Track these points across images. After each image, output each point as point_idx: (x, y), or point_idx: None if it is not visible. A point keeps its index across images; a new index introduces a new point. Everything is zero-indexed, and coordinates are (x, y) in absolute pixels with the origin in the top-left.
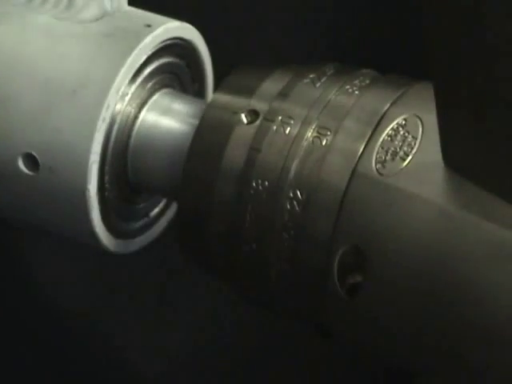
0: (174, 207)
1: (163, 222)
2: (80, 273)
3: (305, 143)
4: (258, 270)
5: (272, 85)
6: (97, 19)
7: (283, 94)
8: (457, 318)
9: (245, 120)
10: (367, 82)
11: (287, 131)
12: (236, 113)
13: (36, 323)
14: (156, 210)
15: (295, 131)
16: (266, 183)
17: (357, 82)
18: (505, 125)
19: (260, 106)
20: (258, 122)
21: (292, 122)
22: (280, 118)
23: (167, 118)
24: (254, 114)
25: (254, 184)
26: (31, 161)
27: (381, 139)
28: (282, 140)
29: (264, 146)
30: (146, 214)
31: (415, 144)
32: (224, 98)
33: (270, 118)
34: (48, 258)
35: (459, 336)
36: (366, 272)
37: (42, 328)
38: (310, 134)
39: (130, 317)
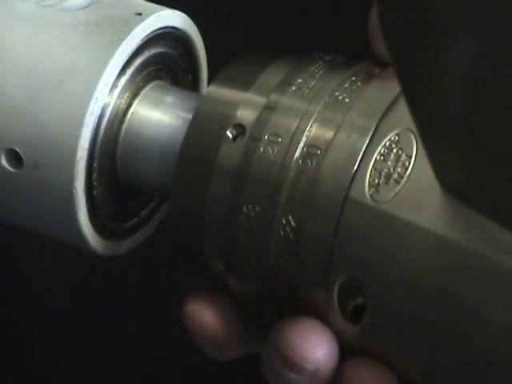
0: (165, 207)
1: (154, 223)
2: (75, 272)
3: (294, 165)
4: (255, 297)
5: (259, 92)
6: (84, 7)
7: (270, 108)
8: (460, 347)
9: (230, 135)
10: (359, 84)
11: (275, 151)
12: (222, 128)
13: (34, 324)
14: (147, 210)
15: (283, 151)
16: (257, 208)
17: (347, 85)
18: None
19: (246, 118)
20: (245, 139)
21: (279, 139)
22: (267, 136)
23: (159, 112)
24: (240, 128)
25: (245, 209)
26: (15, 157)
27: (373, 159)
28: (270, 161)
29: (252, 169)
30: (136, 214)
31: (409, 164)
32: (219, 93)
33: (256, 136)
34: (40, 257)
35: (464, 364)
36: (367, 300)
37: (41, 328)
38: (298, 153)
39: (129, 317)
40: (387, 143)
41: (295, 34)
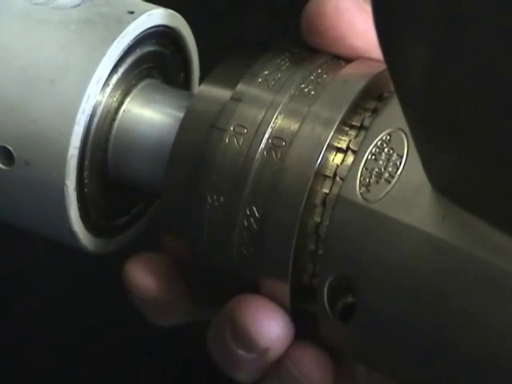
0: (156, 205)
1: (145, 220)
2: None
3: (259, 156)
4: (220, 285)
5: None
6: (76, 5)
7: (236, 99)
8: (447, 347)
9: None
10: (324, 76)
11: (240, 142)
12: (213, 126)
13: (36, 320)
14: (138, 208)
15: (249, 142)
16: (222, 198)
17: (313, 77)
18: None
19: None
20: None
21: (245, 131)
22: (232, 127)
23: (150, 110)
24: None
25: (210, 199)
26: (6, 155)
27: (364, 159)
28: (235, 152)
29: (217, 160)
30: (127, 212)
31: (400, 163)
32: (210, 91)
33: (222, 127)
34: (38, 256)
35: (452, 367)
36: (356, 298)
37: (43, 325)
38: (263, 145)
39: (129, 316)
40: (379, 143)
41: (292, 30)
